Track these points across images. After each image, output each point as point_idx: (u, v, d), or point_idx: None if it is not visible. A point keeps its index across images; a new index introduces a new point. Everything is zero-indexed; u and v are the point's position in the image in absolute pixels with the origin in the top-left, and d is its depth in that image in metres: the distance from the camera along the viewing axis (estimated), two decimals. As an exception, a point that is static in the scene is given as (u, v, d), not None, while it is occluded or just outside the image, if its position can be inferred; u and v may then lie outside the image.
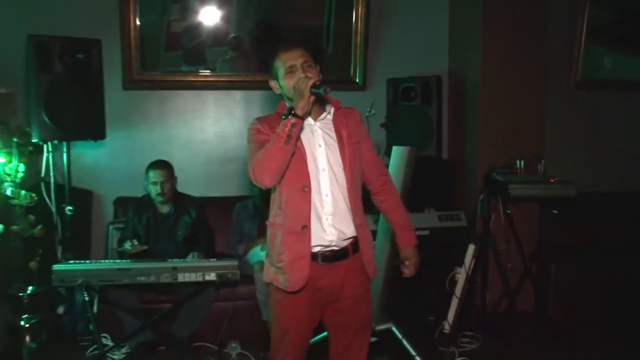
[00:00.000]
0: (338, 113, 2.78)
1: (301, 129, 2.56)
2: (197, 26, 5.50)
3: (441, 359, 4.27)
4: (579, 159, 5.52)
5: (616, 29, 5.82)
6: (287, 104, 2.73)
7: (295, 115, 2.48)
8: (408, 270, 2.98)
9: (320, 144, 2.71)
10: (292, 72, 2.63)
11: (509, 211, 4.87)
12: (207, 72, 5.52)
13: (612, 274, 4.97)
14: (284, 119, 2.53)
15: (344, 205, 2.70)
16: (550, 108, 5.36)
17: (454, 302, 4.63)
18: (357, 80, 5.56)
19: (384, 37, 5.71)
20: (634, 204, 5.24)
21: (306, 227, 2.64)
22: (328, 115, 2.76)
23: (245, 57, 5.56)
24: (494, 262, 4.90)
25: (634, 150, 5.66)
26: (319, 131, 2.72)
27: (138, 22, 5.22)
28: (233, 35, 5.58)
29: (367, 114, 4.97)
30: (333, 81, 5.13)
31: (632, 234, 4.98)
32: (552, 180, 4.64)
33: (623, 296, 4.89)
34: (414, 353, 4.00)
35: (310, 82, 2.51)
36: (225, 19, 5.49)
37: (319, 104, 2.69)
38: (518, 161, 4.79)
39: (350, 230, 2.71)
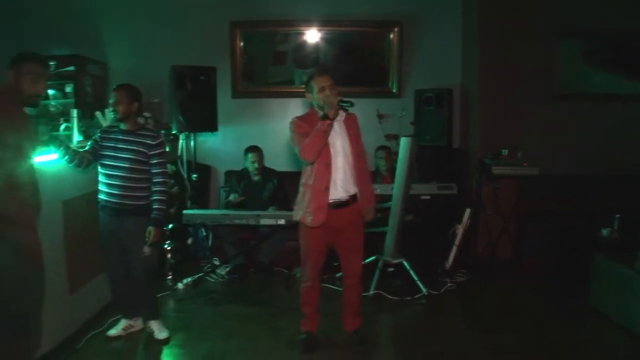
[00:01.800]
0: (346, 117, 3.70)
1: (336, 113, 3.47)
2: (298, 46, 6.61)
3: (436, 285, 5.06)
4: (549, 150, 5.92)
5: (599, 54, 6.20)
6: (316, 109, 3.64)
7: (329, 118, 3.46)
8: (369, 217, 3.86)
9: (337, 136, 3.64)
10: (322, 90, 3.59)
11: (494, 186, 5.73)
12: (288, 85, 6.60)
13: (566, 232, 5.57)
14: (322, 120, 3.45)
15: (349, 175, 3.65)
16: (533, 113, 5.98)
17: (454, 249, 5.44)
18: (394, 90, 6.48)
19: (413, 58, 6.52)
20: (583, 182, 5.78)
21: (327, 188, 3.60)
22: (341, 118, 3.64)
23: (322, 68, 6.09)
24: (483, 221, 5.80)
25: (586, 145, 6.00)
26: (337, 128, 3.62)
27: (242, 44, 6.46)
28: (314, 56, 6.60)
29: (400, 114, 6.17)
30: (376, 91, 6.39)
31: (580, 204, 5.63)
32: (525, 165, 5.47)
33: (573, 248, 5.47)
34: (416, 279, 4.94)
35: (339, 98, 3.49)
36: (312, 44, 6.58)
37: (347, 105, 3.53)
38: (503, 150, 5.63)
39: (352, 190, 3.68)
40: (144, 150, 3.78)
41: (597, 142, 6.05)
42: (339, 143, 3.65)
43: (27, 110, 4.62)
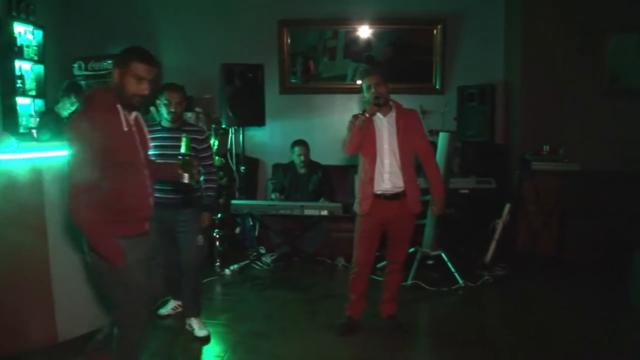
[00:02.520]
0: (399, 112, 3.84)
1: (373, 121, 3.72)
2: (349, 42, 6.79)
3: (473, 277, 5.12)
4: (594, 147, 5.85)
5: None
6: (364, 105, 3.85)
7: (366, 114, 3.70)
8: (435, 210, 4.03)
9: (384, 131, 3.80)
10: (369, 89, 3.77)
11: (534, 182, 5.70)
12: (336, 82, 6.78)
13: (609, 229, 5.49)
14: (360, 116, 3.71)
15: (396, 168, 3.78)
16: (578, 109, 5.93)
17: (493, 243, 5.46)
18: (437, 87, 6.62)
19: (457, 55, 6.65)
20: (628, 181, 5.67)
21: (372, 179, 3.78)
22: (392, 113, 3.83)
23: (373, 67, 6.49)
24: (523, 217, 5.81)
25: (632, 143, 5.87)
26: (385, 123, 3.80)
27: (289, 42, 6.73)
28: (367, 53, 6.75)
29: (443, 110, 6.29)
30: (420, 88, 6.53)
31: (625, 202, 5.51)
32: (565, 160, 5.54)
33: (616, 245, 5.36)
34: (454, 270, 5.07)
35: (374, 96, 3.70)
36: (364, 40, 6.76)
37: (385, 107, 3.75)
38: (545, 146, 5.69)
39: (400, 183, 3.79)
40: (194, 145, 3.80)
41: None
42: (385, 138, 3.82)
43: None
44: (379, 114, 3.80)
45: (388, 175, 3.81)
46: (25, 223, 3.56)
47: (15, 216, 3.49)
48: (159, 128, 3.92)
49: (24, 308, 3.58)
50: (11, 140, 3.26)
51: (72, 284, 3.74)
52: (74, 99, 5.06)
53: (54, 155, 3.62)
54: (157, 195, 3.58)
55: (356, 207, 3.92)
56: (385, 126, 3.82)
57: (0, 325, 3.36)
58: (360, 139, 3.75)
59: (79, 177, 2.48)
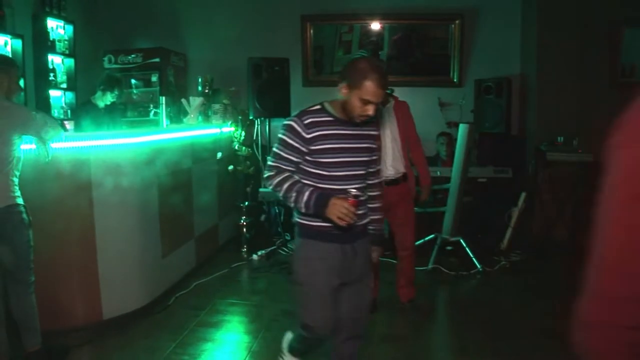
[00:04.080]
0: (397, 104, 4.11)
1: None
2: (362, 35, 6.97)
3: (491, 263, 5.36)
4: (606, 138, 6.02)
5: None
6: None
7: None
8: (424, 196, 4.26)
9: (386, 122, 4.03)
10: None
11: (549, 172, 5.88)
12: None
13: None
14: None
15: (398, 155, 4.05)
16: (593, 101, 5.99)
17: (509, 231, 5.72)
18: (455, 79, 6.79)
19: (474, 49, 6.83)
20: None
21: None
22: (390, 103, 4.08)
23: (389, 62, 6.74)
24: (539, 206, 5.99)
25: None
26: (385, 114, 4.03)
27: (312, 35, 6.93)
28: (371, 47, 6.73)
29: (460, 102, 6.48)
30: (438, 80, 6.73)
31: None
32: (579, 151, 5.69)
33: None
34: (472, 255, 5.28)
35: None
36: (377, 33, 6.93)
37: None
38: (559, 137, 5.88)
39: (401, 168, 4.07)
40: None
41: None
42: (387, 128, 4.06)
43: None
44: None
45: (391, 161, 4.05)
46: (74, 208, 3.80)
47: (64, 202, 3.74)
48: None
49: (72, 288, 3.84)
50: (61, 132, 3.46)
51: (116, 266, 3.99)
52: (116, 92, 5.31)
53: (101, 144, 3.87)
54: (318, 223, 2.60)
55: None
56: (385, 117, 4.06)
57: (48, 303, 3.56)
58: None
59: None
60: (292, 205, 2.52)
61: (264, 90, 6.08)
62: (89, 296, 3.90)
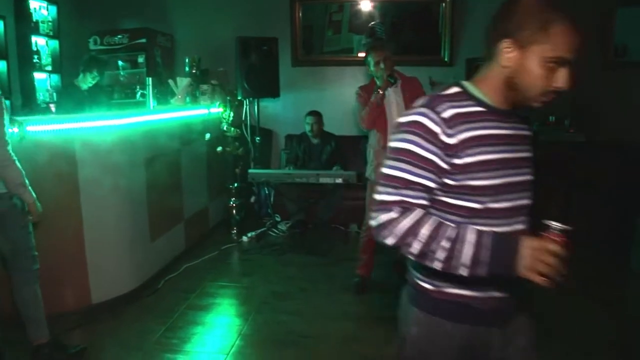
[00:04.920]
0: (404, 82, 4.05)
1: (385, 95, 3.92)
2: (352, 15, 6.81)
3: None
4: (600, 119, 5.95)
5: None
6: (375, 79, 4.04)
7: (380, 91, 3.91)
8: None
9: (392, 102, 4.03)
10: (377, 64, 3.97)
11: (541, 152, 5.86)
12: (346, 54, 6.83)
13: (614, 199, 5.51)
14: (375, 92, 3.92)
15: None
16: (585, 81, 5.98)
17: None
18: (446, 59, 6.68)
19: (465, 27, 6.68)
20: (635, 151, 5.67)
21: (384, 147, 3.96)
22: (398, 84, 4.02)
23: (378, 42, 6.30)
24: None
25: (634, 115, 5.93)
26: (393, 94, 4.04)
27: (301, 16, 6.76)
28: (371, 24, 6.39)
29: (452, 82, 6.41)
30: (429, 60, 6.64)
31: (630, 172, 5.57)
32: (571, 131, 5.67)
33: (619, 213, 5.37)
34: None
35: (387, 73, 3.92)
36: (368, 13, 6.77)
37: (393, 81, 3.94)
38: (550, 117, 5.87)
39: None
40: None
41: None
42: (394, 107, 4.03)
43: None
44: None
45: None
46: (60, 193, 3.73)
47: (50, 187, 3.65)
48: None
49: (60, 274, 3.78)
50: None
51: (103, 250, 3.95)
52: (95, 73, 5.22)
53: (85, 126, 3.80)
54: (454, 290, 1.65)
55: (369, 173, 4.14)
56: (392, 97, 4.04)
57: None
58: (378, 113, 3.98)
59: None
60: (437, 265, 1.43)
61: (253, 70, 6.00)
62: (77, 281, 3.86)
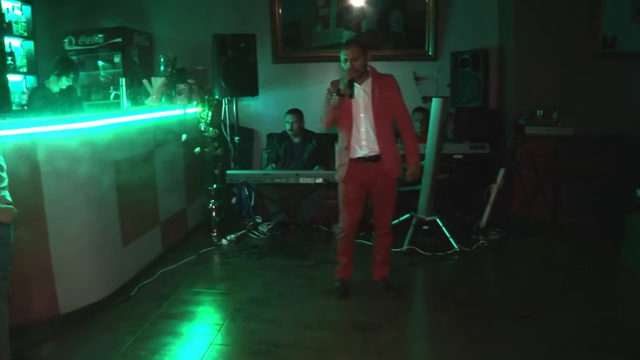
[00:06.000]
0: (375, 79, 3.88)
1: (351, 92, 3.78)
2: (340, 10, 6.71)
3: (469, 242, 5.22)
4: (588, 111, 5.84)
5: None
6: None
7: (340, 94, 3.75)
8: (409, 175, 4.04)
9: (360, 99, 3.87)
10: (345, 62, 3.80)
11: (528, 146, 5.66)
12: (327, 50, 6.67)
13: (602, 192, 5.52)
14: (335, 95, 3.75)
15: (372, 135, 3.86)
16: (571, 73, 5.90)
17: (488, 208, 5.48)
18: (430, 53, 6.57)
19: (449, 21, 6.60)
20: (621, 144, 5.74)
21: (347, 148, 3.89)
22: (368, 81, 3.86)
23: (363, 37, 6.52)
24: (518, 181, 5.85)
25: (626, 106, 5.89)
26: (362, 92, 3.87)
27: (281, 12, 6.64)
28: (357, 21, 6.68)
29: (436, 77, 6.25)
30: (413, 54, 6.53)
31: (618, 165, 5.63)
32: (559, 124, 5.49)
33: (609, 207, 5.41)
34: (449, 235, 5.11)
35: (349, 77, 3.76)
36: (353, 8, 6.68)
37: (362, 75, 3.80)
38: (538, 111, 5.68)
39: (375, 149, 3.89)
40: None
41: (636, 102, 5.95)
42: (362, 106, 3.89)
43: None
44: (355, 83, 3.84)
45: (365, 142, 3.93)
46: (22, 200, 3.54)
47: (11, 193, 3.50)
48: None
49: (26, 283, 3.62)
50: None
51: (71, 258, 3.80)
52: (72, 76, 5.08)
53: (48, 130, 3.62)
54: None
55: (336, 175, 4.06)
56: (361, 95, 3.90)
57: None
58: (335, 116, 3.86)
59: None
60: None
61: (230, 68, 5.88)
62: (44, 290, 3.71)
